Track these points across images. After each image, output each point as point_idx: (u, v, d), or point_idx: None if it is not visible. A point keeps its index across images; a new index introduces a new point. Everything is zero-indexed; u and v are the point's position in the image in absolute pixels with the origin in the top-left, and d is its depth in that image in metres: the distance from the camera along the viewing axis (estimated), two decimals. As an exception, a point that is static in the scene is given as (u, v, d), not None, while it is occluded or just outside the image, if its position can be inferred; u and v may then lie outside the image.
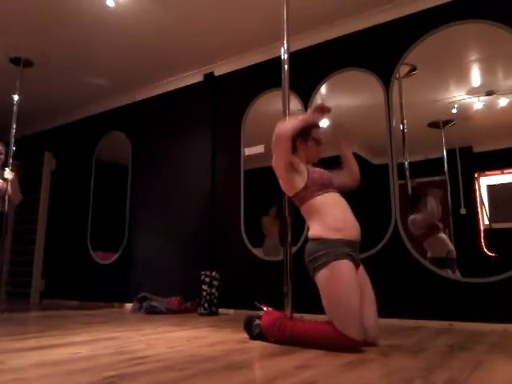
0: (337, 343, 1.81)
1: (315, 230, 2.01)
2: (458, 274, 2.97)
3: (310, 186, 2.05)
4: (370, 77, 3.48)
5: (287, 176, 2.10)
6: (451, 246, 3.07)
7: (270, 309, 2.20)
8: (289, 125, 2.04)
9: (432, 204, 3.25)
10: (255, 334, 2.11)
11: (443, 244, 3.11)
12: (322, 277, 1.90)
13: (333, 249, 1.90)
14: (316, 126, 2.20)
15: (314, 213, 2.05)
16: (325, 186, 2.07)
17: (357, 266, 1.98)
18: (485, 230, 3.03)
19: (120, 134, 5.21)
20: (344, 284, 1.85)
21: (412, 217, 3.25)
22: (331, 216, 2.00)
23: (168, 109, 4.82)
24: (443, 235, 3.14)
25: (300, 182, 2.07)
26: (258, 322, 2.12)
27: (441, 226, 3.18)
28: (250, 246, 3.90)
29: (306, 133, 2.15)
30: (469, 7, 3.13)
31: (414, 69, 3.36)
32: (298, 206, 2.16)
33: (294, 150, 2.14)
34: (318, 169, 2.15)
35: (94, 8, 3.53)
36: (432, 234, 3.19)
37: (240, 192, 4.04)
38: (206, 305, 3.64)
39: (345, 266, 1.88)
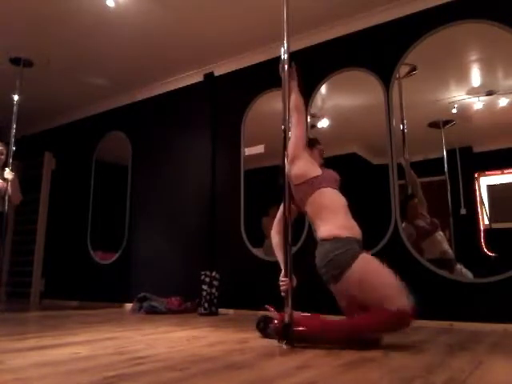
0: (392, 322, 1.83)
1: (327, 230, 2.03)
2: (468, 273, 2.94)
3: (321, 178, 2.15)
4: (370, 77, 3.48)
5: (304, 155, 2.20)
6: (445, 247, 3.07)
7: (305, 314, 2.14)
8: (297, 102, 2.30)
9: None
10: (269, 333, 2.11)
11: (437, 245, 3.11)
12: (352, 276, 1.91)
13: (350, 246, 1.95)
14: (318, 142, 2.42)
15: (324, 210, 2.09)
16: (331, 183, 2.19)
17: None
18: (485, 230, 3.03)
19: (120, 133, 5.21)
20: (377, 267, 1.94)
21: (403, 225, 3.23)
22: (342, 215, 2.07)
23: (168, 109, 4.82)
24: (440, 235, 3.14)
25: (314, 169, 2.18)
26: (273, 324, 2.08)
27: (437, 222, 3.17)
28: (249, 246, 3.90)
29: (314, 143, 2.38)
30: (469, 7, 3.13)
31: (414, 69, 3.36)
32: (301, 202, 2.18)
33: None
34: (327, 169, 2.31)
35: (94, 8, 3.53)
36: (430, 234, 3.19)
37: (240, 192, 4.04)
38: (206, 305, 3.64)
39: (367, 256, 1.97)
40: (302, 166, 2.17)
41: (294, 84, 2.35)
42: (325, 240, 2.01)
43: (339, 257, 1.93)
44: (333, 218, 2.05)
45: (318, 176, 2.15)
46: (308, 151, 2.28)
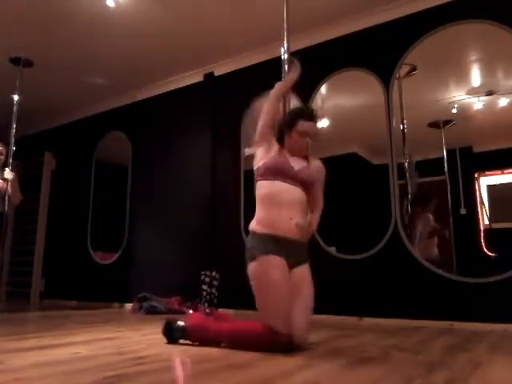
0: (263, 338, 1.76)
1: (252, 222, 2.02)
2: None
3: (267, 164, 2.01)
4: (369, 77, 3.47)
5: (260, 146, 2.08)
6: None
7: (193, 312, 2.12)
8: (275, 88, 2.19)
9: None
10: (177, 336, 1.98)
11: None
12: (250, 270, 1.91)
13: (260, 243, 1.91)
14: (302, 116, 2.09)
15: (258, 202, 2.03)
16: (280, 174, 1.98)
17: (292, 265, 1.94)
18: (485, 230, 3.03)
19: (120, 133, 5.21)
20: (263, 279, 1.86)
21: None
22: (265, 211, 1.98)
23: (168, 109, 4.82)
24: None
25: (266, 157, 2.04)
26: (180, 324, 1.99)
27: (438, 227, 3.21)
28: (249, 246, 3.90)
29: (291, 124, 2.08)
30: (469, 7, 3.13)
31: (414, 69, 3.36)
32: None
33: (282, 142, 2.11)
34: (284, 158, 2.04)
35: (94, 8, 3.53)
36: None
37: (240, 192, 4.04)
38: (206, 305, 3.63)
39: (272, 262, 1.86)
40: (257, 154, 2.10)
41: (291, 76, 2.26)
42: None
43: (247, 252, 1.96)
44: (259, 211, 2.00)
45: (259, 167, 2.04)
46: (287, 138, 2.08)
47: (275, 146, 2.09)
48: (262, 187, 2.01)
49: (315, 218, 2.06)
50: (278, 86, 2.22)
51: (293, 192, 1.97)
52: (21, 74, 4.28)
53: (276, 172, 1.98)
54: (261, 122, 2.12)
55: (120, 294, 4.62)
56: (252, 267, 1.90)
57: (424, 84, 3.39)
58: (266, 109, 2.15)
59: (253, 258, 1.90)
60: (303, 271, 1.97)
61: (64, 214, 5.56)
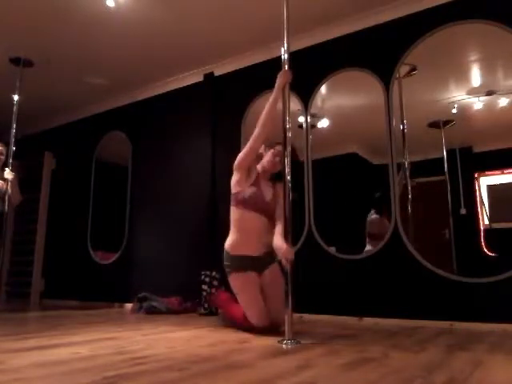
0: (239, 323, 2.46)
1: (227, 240, 2.54)
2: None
3: (242, 196, 2.45)
4: (369, 77, 3.47)
5: (239, 173, 2.48)
6: None
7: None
8: (271, 100, 2.37)
9: None
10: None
11: None
12: (231, 282, 2.52)
13: (229, 262, 2.49)
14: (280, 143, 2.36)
15: (232, 225, 2.54)
16: (251, 206, 2.43)
17: (261, 270, 2.49)
18: (485, 230, 3.03)
19: (120, 133, 5.21)
20: (244, 289, 2.45)
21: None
22: (235, 234, 2.50)
23: (168, 109, 4.82)
24: None
25: (243, 185, 2.46)
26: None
27: None
28: (250, 246, 3.89)
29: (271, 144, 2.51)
30: (469, 7, 3.12)
31: (414, 69, 3.36)
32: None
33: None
34: (259, 189, 2.49)
35: (94, 8, 3.53)
36: None
37: (240, 192, 4.04)
38: (206, 305, 3.63)
39: (244, 277, 2.44)
40: (234, 179, 2.52)
41: (277, 93, 2.34)
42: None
43: (225, 266, 2.54)
44: (233, 233, 2.51)
45: (239, 192, 2.47)
46: (259, 161, 2.56)
47: (254, 175, 2.49)
48: (236, 213, 2.49)
49: (280, 231, 2.33)
50: (268, 112, 2.38)
51: (259, 220, 2.45)
52: (21, 74, 4.28)
53: (249, 204, 2.43)
54: (245, 150, 2.44)
55: (120, 294, 4.62)
56: (231, 281, 2.49)
57: (424, 84, 3.39)
58: (260, 138, 2.40)
59: (229, 273, 2.49)
60: (272, 269, 2.47)
61: (64, 214, 5.56)
